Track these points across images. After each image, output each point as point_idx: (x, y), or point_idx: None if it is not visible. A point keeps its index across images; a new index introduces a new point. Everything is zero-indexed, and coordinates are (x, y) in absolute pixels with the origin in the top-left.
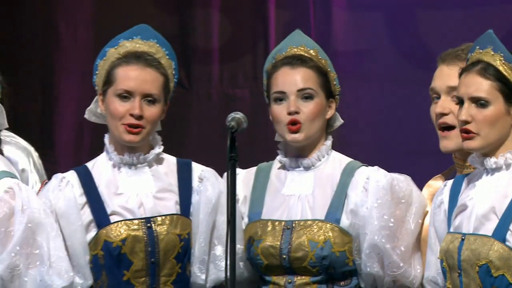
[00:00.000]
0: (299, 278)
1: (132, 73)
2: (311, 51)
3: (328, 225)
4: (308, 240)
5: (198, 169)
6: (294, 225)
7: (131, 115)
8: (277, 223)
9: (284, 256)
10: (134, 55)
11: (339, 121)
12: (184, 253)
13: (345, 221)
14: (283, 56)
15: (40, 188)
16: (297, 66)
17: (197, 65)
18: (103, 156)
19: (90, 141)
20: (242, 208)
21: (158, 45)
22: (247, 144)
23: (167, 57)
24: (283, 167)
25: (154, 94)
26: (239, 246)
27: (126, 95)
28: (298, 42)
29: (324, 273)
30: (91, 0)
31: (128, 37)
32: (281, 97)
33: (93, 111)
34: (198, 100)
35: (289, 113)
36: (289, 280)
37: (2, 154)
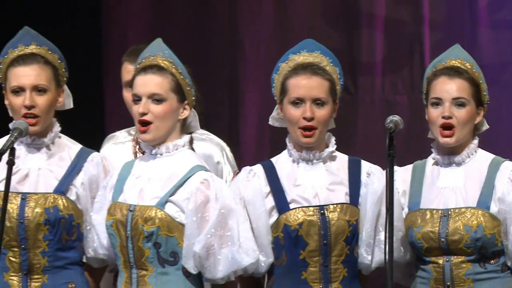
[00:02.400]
0: (455, 257)
1: (301, 82)
2: (467, 64)
3: (480, 211)
4: (463, 225)
5: (366, 166)
6: (450, 212)
7: (304, 118)
8: (434, 211)
9: (442, 240)
10: (302, 66)
11: (485, 126)
12: (352, 237)
13: (493, 208)
14: (443, 66)
15: (233, 177)
16: (454, 77)
17: (362, 75)
18: (285, 153)
19: (270, 140)
20: (402, 200)
21: (322, 55)
22: (403, 143)
23: (331, 64)
24: (436, 163)
25: (322, 97)
26: (400, 233)
27: (297, 102)
28: (457, 55)
29: (477, 253)
30: (271, 20)
31: (296, 51)
32: (438, 102)
33: (275, 118)
34: (363, 105)
35: (443, 117)
36: (447, 259)
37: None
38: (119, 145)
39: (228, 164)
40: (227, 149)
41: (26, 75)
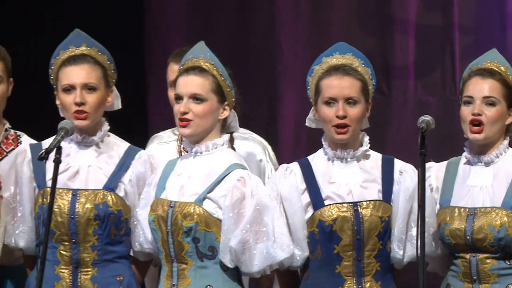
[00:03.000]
0: (481, 254)
1: (334, 82)
2: (502, 67)
3: (504, 211)
4: (488, 224)
5: (399, 164)
6: (476, 211)
7: (337, 116)
8: (462, 209)
9: (468, 237)
10: (334, 68)
11: None
12: (384, 233)
13: None
14: (478, 68)
15: None
16: (487, 77)
17: (395, 78)
18: (320, 152)
19: (307, 140)
20: (435, 195)
21: (354, 57)
22: (436, 142)
23: (363, 65)
24: (468, 162)
25: (354, 96)
26: (432, 229)
27: (330, 101)
28: (493, 58)
29: (501, 251)
30: (308, 24)
31: (329, 54)
32: (469, 101)
33: (311, 119)
34: (396, 106)
35: (473, 114)
36: (473, 255)
37: (234, 150)
38: (163, 144)
39: (270, 162)
40: (269, 147)
41: (76, 74)
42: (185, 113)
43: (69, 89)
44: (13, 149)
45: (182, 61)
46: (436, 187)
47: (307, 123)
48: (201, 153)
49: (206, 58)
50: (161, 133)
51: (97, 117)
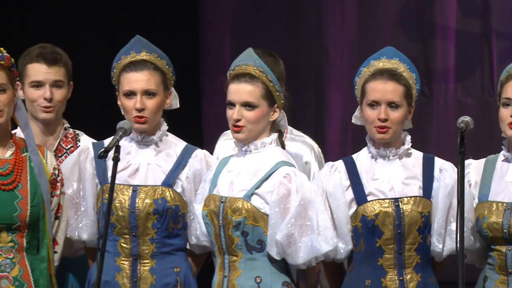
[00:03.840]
0: None
1: (378, 86)
2: None
3: None
4: None
5: (439, 162)
6: None
7: (379, 119)
8: (500, 204)
9: (505, 231)
10: (380, 72)
11: None
12: (424, 227)
13: None
14: None
15: None
16: None
17: (436, 80)
18: (364, 150)
19: (352, 139)
20: (474, 191)
21: (400, 61)
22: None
23: (408, 70)
24: (506, 159)
25: (396, 101)
26: (470, 224)
27: (373, 104)
28: None
29: None
30: (354, 29)
31: (376, 57)
32: (508, 103)
33: (357, 117)
34: (437, 107)
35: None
36: (509, 248)
37: (284, 149)
38: (230, 140)
39: (316, 163)
40: (318, 150)
41: (137, 80)
42: (238, 120)
43: (130, 94)
44: (72, 147)
45: (232, 66)
46: (475, 182)
47: (353, 120)
48: (250, 151)
49: (255, 65)
50: (229, 131)
51: (156, 120)
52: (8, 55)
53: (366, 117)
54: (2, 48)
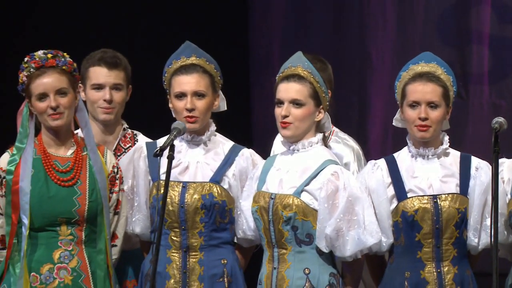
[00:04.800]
0: None
1: (418, 87)
2: None
3: None
4: None
5: (475, 161)
6: None
7: (419, 118)
8: None
9: None
10: (419, 75)
11: None
12: (461, 222)
13: None
14: None
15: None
16: None
17: (472, 83)
18: (405, 149)
19: (393, 139)
20: (507, 187)
21: (437, 65)
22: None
23: (445, 73)
24: None
25: (435, 101)
26: (503, 219)
27: (414, 104)
28: None
29: None
30: (394, 35)
31: (415, 62)
32: None
33: (397, 119)
34: (473, 109)
35: None
36: None
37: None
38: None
39: (356, 164)
40: (357, 150)
41: (187, 82)
42: (286, 116)
43: (181, 96)
44: (130, 146)
45: (281, 68)
46: (508, 179)
47: (394, 123)
48: (298, 150)
49: (304, 67)
50: None
51: (206, 120)
52: (71, 60)
53: (407, 117)
54: (65, 54)
